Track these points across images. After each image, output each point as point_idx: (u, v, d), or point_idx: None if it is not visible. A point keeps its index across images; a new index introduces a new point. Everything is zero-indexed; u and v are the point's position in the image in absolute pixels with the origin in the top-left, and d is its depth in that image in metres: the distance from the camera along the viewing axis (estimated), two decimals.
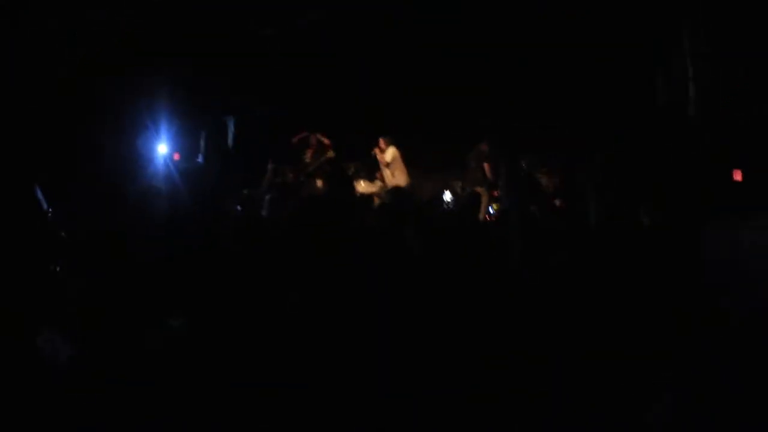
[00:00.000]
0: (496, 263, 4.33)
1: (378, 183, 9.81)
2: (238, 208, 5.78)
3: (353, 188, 7.26)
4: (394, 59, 9.44)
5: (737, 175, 7.33)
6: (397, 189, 6.95)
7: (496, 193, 9.61)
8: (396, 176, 9.46)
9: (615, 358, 2.97)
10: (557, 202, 7.95)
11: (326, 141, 9.41)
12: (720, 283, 3.36)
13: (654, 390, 2.68)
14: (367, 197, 8.01)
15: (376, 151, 9.66)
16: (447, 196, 8.88)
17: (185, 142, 9.21)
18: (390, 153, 9.53)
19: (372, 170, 10.09)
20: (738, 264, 3.48)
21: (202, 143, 9.48)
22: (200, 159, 9.25)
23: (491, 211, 9.38)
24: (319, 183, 9.22)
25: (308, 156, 9.51)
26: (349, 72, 9.59)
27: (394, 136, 9.62)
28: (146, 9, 7.33)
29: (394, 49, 9.28)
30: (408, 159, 9.66)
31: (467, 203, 7.59)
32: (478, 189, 8.96)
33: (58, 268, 3.06)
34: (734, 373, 2.55)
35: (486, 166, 9.56)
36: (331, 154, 9.37)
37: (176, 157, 8.94)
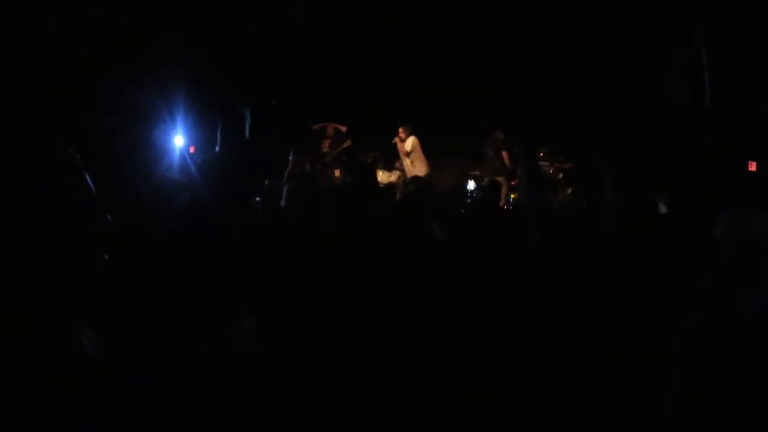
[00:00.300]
0: (515, 252, 4.31)
1: (396, 173, 9.74)
2: (257, 198, 5.72)
3: (374, 177, 7.20)
4: (412, 51, 9.37)
5: (752, 167, 7.38)
6: (417, 178, 6.88)
7: (514, 182, 9.51)
8: (416, 166, 9.39)
9: (621, 355, 2.97)
10: (569, 191, 7.87)
11: (343, 129, 9.35)
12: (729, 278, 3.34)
13: (659, 384, 2.67)
14: (388, 187, 7.94)
15: (397, 140, 9.60)
16: (470, 185, 8.83)
17: (201, 135, 9.16)
18: (410, 142, 9.46)
19: (390, 160, 10.02)
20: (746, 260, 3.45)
21: (218, 135, 9.43)
22: (217, 150, 9.20)
23: (511, 200, 9.28)
24: (337, 173, 9.15)
25: (326, 146, 9.44)
26: (367, 62, 9.52)
27: (413, 126, 9.55)
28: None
29: (412, 41, 9.21)
30: (426, 148, 9.59)
31: (488, 193, 7.50)
32: (498, 178, 8.86)
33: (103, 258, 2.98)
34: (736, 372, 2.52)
35: (505, 154, 9.47)
36: (348, 143, 9.30)
37: (192, 150, 8.90)
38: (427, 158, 9.52)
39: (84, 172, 1.46)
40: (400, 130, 9.52)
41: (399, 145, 9.58)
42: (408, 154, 9.42)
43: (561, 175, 9.32)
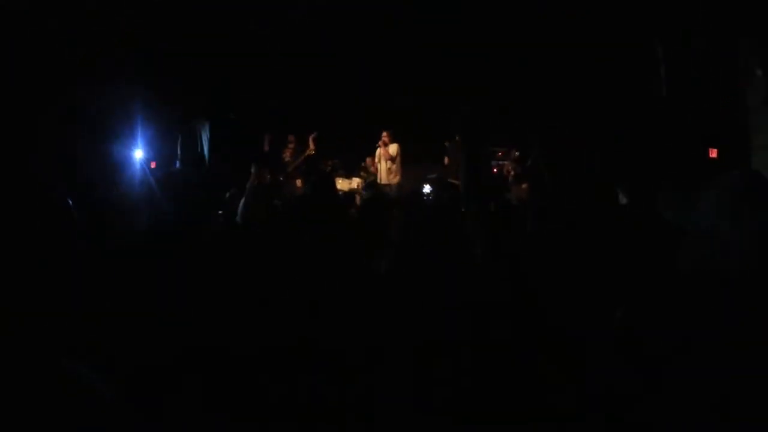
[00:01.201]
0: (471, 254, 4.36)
1: (356, 179, 9.82)
2: (220, 212, 5.71)
3: (334, 185, 7.24)
4: (372, 57, 9.45)
5: (713, 153, 7.52)
6: (374, 184, 6.98)
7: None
8: (392, 172, 9.49)
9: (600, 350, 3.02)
10: (523, 186, 7.98)
11: (312, 142, 9.35)
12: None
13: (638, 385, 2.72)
14: (349, 194, 8.02)
15: (380, 144, 9.66)
16: (426, 188, 8.99)
17: (162, 149, 9.09)
18: (394, 147, 9.55)
19: (349, 167, 10.09)
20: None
21: (179, 149, 9.37)
22: (177, 165, 9.15)
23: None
24: (299, 182, 9.19)
25: (287, 155, 9.47)
26: (326, 70, 9.58)
27: (395, 131, 9.66)
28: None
29: (371, 47, 9.29)
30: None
31: (446, 194, 7.57)
32: (454, 181, 8.95)
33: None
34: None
35: None
36: (311, 151, 9.33)
37: (153, 165, 8.82)
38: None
39: (67, 198, 1.50)
40: (384, 134, 9.59)
41: (382, 149, 9.63)
42: (392, 159, 9.52)
43: (513, 173, 9.45)
